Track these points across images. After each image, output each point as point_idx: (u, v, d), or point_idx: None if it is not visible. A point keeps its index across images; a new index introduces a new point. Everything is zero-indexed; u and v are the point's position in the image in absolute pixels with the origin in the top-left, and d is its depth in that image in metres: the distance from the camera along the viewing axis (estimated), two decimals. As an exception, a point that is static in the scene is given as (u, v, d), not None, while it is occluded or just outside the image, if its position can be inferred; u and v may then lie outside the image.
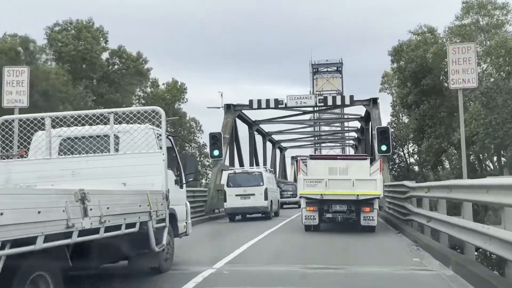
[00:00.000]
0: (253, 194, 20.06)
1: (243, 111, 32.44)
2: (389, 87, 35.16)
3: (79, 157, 7.58)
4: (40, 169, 7.23)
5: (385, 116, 37.08)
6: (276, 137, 49.48)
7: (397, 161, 33.89)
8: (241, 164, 32.70)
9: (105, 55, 27.16)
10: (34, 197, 4.51)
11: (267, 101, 29.51)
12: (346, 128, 46.24)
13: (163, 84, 36.01)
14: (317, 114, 56.04)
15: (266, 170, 23.24)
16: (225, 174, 24.16)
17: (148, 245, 6.86)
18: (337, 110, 59.14)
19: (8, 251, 4.03)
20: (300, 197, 14.49)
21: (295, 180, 26.20)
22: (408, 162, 33.67)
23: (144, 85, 30.31)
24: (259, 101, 29.61)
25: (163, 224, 7.42)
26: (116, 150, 7.65)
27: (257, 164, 38.84)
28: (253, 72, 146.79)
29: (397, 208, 17.40)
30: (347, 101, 29.65)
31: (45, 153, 7.60)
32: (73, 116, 8.01)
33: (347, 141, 56.75)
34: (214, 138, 26.68)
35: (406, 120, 32.50)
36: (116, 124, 7.69)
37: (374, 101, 29.46)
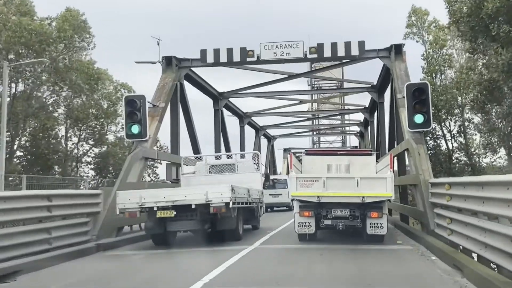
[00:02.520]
0: (281, 194, 27.01)
1: (195, 71, 21.67)
2: (419, 32, 23.72)
3: (221, 174, 15.90)
4: (202, 180, 15.29)
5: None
6: (259, 122, 38.71)
7: (432, 145, 22.81)
8: (196, 151, 22.01)
9: None
10: (242, 188, 12.98)
11: (229, 52, 18.76)
12: (352, 108, 35.28)
13: (53, 18, 24.81)
14: (313, 81, 45.66)
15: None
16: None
17: (258, 214, 15.80)
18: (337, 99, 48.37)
19: (240, 205, 12.51)
20: (292, 200, 12.87)
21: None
22: (451, 146, 22.69)
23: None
24: (216, 52, 18.86)
25: (262, 205, 16.33)
26: (237, 171, 16.09)
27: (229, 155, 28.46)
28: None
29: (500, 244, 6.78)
30: (354, 51, 18.78)
31: (204, 172, 16.18)
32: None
33: (350, 127, 45.95)
34: (131, 105, 15.98)
35: (444, 82, 21.31)
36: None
37: (397, 50, 18.72)
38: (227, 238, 12.55)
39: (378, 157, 23.73)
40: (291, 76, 23.69)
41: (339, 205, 11.47)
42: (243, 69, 22.20)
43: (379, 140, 25.42)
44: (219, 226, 12.35)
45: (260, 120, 38.94)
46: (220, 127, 26.12)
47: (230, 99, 28.10)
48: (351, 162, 12.32)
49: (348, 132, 50.15)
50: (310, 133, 49.09)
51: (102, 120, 27.13)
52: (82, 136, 28.51)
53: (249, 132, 38.80)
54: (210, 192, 11.47)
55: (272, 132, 44.39)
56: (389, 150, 21.04)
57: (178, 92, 19.58)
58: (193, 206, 11.52)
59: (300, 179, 11.47)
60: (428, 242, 10.80)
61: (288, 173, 16.57)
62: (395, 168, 21.14)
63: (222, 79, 26.82)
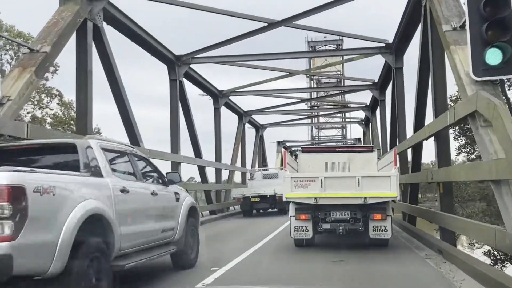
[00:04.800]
0: None
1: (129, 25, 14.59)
2: None
3: (270, 179, 24.86)
4: (259, 183, 24.93)
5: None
6: (243, 105, 31.69)
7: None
8: (133, 141, 15.13)
9: None
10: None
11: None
12: (357, 84, 28.02)
13: None
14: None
15: None
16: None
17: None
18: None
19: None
20: (287, 202, 11.73)
21: (283, 172, 18.57)
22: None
23: None
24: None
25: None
26: (278, 177, 21.88)
27: (197, 147, 21.81)
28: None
29: None
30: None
31: (260, 178, 26.23)
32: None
33: (352, 113, 38.83)
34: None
35: None
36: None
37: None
38: (281, 213, 21.77)
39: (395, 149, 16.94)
40: (271, 24, 16.43)
41: (339, 207, 10.61)
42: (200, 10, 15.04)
43: (397, 123, 18.33)
44: (278, 206, 22.93)
45: (243, 103, 31.95)
46: (179, 98, 19.02)
47: (195, 67, 21.07)
48: (351, 159, 11.82)
49: (349, 120, 43.02)
50: (307, 120, 42.01)
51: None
52: None
53: (231, 118, 31.88)
54: (276, 189, 21.60)
55: (260, 119, 37.35)
56: (415, 132, 13.98)
57: (89, 37, 12.49)
58: (268, 196, 23.12)
59: (295, 179, 10.69)
60: None
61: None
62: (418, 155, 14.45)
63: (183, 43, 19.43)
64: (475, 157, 17.89)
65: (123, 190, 6.38)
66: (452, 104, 12.99)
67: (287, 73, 22.99)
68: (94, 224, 5.47)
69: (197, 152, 21.62)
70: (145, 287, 7.27)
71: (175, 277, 7.92)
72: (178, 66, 19.09)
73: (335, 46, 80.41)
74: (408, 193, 15.50)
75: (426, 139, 12.11)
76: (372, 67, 59.47)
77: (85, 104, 12.28)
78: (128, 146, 8.00)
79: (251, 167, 36.14)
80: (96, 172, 6.14)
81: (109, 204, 5.89)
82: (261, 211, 24.99)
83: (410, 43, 17.54)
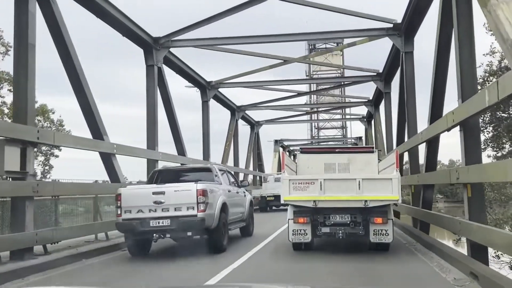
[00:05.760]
0: None
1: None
2: None
3: (279, 182, 16.01)
4: (272, 185, 28.70)
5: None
6: (236, 100, 29.35)
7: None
8: (96, 134, 12.78)
9: None
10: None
11: None
12: (359, 75, 25.53)
13: None
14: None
15: None
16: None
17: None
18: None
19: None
20: (286, 205, 11.35)
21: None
22: None
23: None
24: None
25: None
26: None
27: (179, 143, 19.41)
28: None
29: None
30: None
31: (272, 181, 29.18)
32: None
33: (352, 108, 36.35)
34: None
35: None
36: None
37: None
38: None
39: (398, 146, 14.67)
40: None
41: (339, 210, 10.31)
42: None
43: (406, 117, 15.93)
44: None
45: (237, 99, 29.60)
46: (157, 84, 16.68)
47: (179, 55, 18.71)
48: (351, 160, 11.53)
49: (349, 117, 40.57)
50: (306, 117, 39.60)
51: None
52: None
53: (226, 116, 29.60)
54: None
55: (256, 116, 35.05)
56: (432, 122, 11.61)
57: (31, 3, 10.11)
58: (279, 195, 20.29)
59: (294, 181, 10.42)
60: None
61: (279, 170, 18.17)
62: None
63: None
64: (505, 154, 15.49)
65: (229, 191, 12.00)
66: (480, 88, 10.58)
67: (282, 60, 20.58)
68: (223, 207, 10.82)
69: (180, 149, 19.25)
70: (234, 243, 12.01)
71: (245, 240, 12.88)
72: (156, 50, 16.71)
73: (335, 44, 78.19)
74: (420, 196, 13.20)
75: (449, 129, 9.74)
76: (374, 63, 57.21)
77: (25, 87, 9.87)
78: (224, 165, 14.48)
79: (245, 167, 34.02)
80: (219, 181, 11.60)
81: (226, 197, 11.14)
82: (273, 208, 29.02)
83: (422, 22, 15.22)
